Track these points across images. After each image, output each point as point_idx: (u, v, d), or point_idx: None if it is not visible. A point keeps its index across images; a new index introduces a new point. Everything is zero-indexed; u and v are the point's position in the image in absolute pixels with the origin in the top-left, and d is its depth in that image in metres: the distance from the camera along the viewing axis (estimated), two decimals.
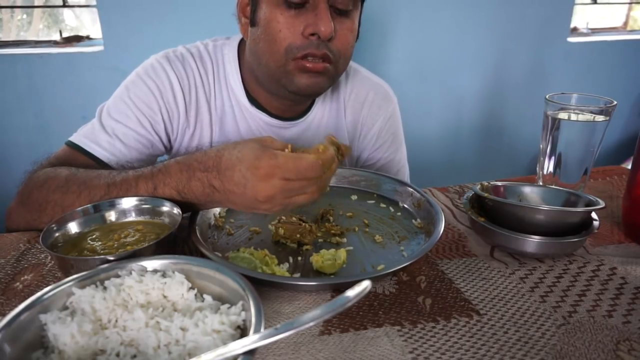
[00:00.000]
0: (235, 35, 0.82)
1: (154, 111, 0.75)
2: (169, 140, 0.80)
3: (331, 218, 0.67)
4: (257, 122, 0.82)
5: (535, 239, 0.57)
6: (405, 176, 0.99)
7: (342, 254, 0.56)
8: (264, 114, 0.81)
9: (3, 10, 1.84)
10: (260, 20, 0.69)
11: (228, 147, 0.54)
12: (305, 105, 0.85)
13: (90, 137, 0.72)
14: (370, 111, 0.89)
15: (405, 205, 0.73)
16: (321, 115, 0.87)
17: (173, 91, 0.76)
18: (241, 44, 0.81)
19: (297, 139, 0.84)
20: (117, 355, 0.38)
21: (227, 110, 0.81)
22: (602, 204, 0.59)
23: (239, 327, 0.40)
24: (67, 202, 0.60)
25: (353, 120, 0.89)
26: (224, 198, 0.54)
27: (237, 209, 0.57)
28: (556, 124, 0.73)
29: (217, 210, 0.69)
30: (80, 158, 0.71)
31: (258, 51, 0.71)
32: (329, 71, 0.71)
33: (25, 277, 0.57)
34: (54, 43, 1.78)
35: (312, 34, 0.66)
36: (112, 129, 0.73)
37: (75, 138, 0.73)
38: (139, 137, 0.74)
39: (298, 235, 0.61)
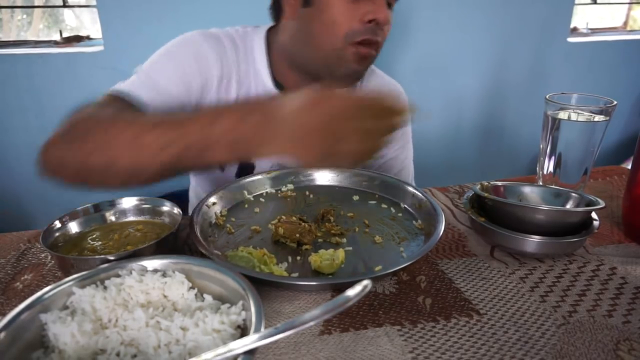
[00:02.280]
0: (263, 25, 0.85)
1: (192, 76, 0.75)
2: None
3: (332, 218, 0.67)
4: None
5: (535, 239, 0.57)
6: (410, 176, 1.00)
7: (340, 254, 0.56)
8: None
9: (3, 10, 1.84)
10: (316, 3, 0.71)
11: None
12: None
13: (132, 88, 0.70)
14: None
15: (407, 206, 0.73)
16: None
17: (209, 64, 0.77)
18: (268, 33, 0.83)
19: None
20: (118, 354, 0.38)
21: (252, 93, 0.82)
22: (602, 204, 0.59)
23: (239, 326, 0.40)
24: (114, 131, 0.54)
25: None
26: (275, 131, 0.49)
27: (281, 151, 0.50)
28: (556, 124, 0.73)
29: (217, 209, 0.69)
30: (123, 105, 0.67)
31: (311, 32, 0.73)
32: (373, 58, 0.75)
33: (26, 276, 0.57)
34: (54, 43, 1.77)
35: (371, 21, 0.69)
36: (153, 84, 0.71)
37: (116, 87, 0.71)
38: (175, 98, 0.73)
39: (297, 235, 0.61)
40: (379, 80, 0.94)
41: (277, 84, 0.83)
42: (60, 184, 0.59)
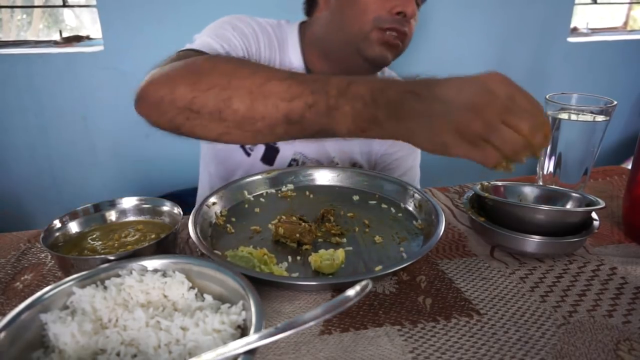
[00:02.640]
0: (296, 21, 0.91)
1: (245, 45, 0.80)
2: None
3: (332, 218, 0.67)
4: None
5: (536, 238, 0.57)
6: (415, 179, 1.01)
7: (340, 254, 0.56)
8: None
9: (3, 10, 1.84)
10: None
11: None
12: None
13: (202, 45, 0.72)
14: None
15: (407, 207, 0.73)
16: None
17: (258, 40, 0.83)
18: (301, 27, 0.89)
19: None
20: (118, 354, 0.38)
21: None
22: (602, 204, 0.59)
23: (239, 326, 0.40)
24: (239, 74, 0.52)
25: None
26: (421, 108, 0.45)
27: (419, 129, 0.45)
28: (556, 124, 0.73)
29: (217, 209, 0.69)
30: None
31: (343, 19, 0.78)
32: (399, 47, 0.79)
33: (26, 276, 0.57)
34: (54, 43, 1.77)
35: (399, 13, 0.75)
36: (221, 38, 0.76)
37: (183, 49, 0.70)
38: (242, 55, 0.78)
39: (297, 235, 0.61)
40: None
41: (309, 72, 0.87)
42: (154, 124, 0.57)
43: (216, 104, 0.51)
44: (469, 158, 0.44)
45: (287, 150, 0.89)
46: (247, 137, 0.54)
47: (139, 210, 0.64)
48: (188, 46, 0.74)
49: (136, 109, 0.58)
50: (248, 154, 0.89)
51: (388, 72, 0.97)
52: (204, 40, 0.75)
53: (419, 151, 1.02)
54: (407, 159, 0.99)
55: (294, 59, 0.87)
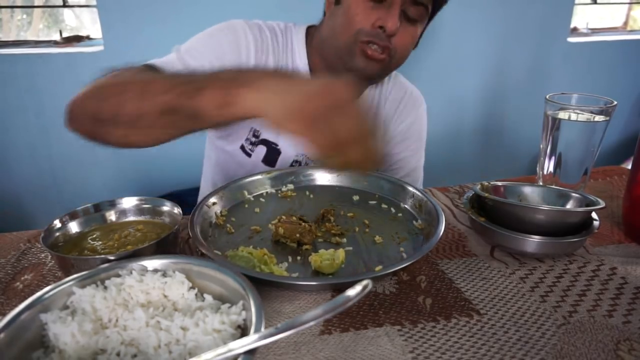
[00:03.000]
0: (302, 24, 0.91)
1: (227, 60, 0.80)
2: None
3: (332, 218, 0.67)
4: None
5: (536, 239, 0.57)
6: (419, 180, 1.02)
7: (340, 254, 0.56)
8: None
9: (3, 10, 1.84)
10: (344, 2, 0.79)
11: None
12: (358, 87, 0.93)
13: (165, 63, 0.76)
14: (405, 108, 0.98)
15: (407, 207, 0.73)
16: (370, 99, 0.94)
17: (248, 49, 0.82)
18: (307, 30, 0.90)
19: None
20: (118, 354, 0.38)
21: None
22: (602, 204, 0.59)
23: (239, 326, 0.40)
24: (129, 81, 0.59)
25: (389, 113, 0.97)
26: (275, 84, 0.50)
27: (271, 104, 0.49)
28: (556, 124, 0.73)
29: (217, 209, 0.69)
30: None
31: (334, 26, 0.80)
32: (384, 62, 0.79)
33: (26, 276, 0.57)
34: (54, 43, 1.77)
35: (380, 27, 0.76)
36: (187, 62, 0.77)
37: (150, 61, 0.76)
38: None
39: (297, 235, 0.61)
40: (403, 84, 0.99)
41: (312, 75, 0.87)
42: (81, 136, 0.63)
43: (112, 110, 0.58)
44: (302, 136, 0.49)
45: (289, 151, 0.89)
46: (143, 136, 0.59)
47: (139, 210, 0.64)
48: (151, 61, 0.76)
49: (65, 125, 0.65)
50: (249, 155, 0.89)
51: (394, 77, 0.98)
52: (170, 57, 0.78)
53: (422, 152, 1.03)
54: (411, 160, 0.99)
55: (300, 63, 0.87)
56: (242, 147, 0.89)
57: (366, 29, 0.76)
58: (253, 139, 0.88)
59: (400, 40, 0.78)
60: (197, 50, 0.79)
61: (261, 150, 0.89)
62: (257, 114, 0.50)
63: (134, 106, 0.56)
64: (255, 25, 0.85)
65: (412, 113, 1.00)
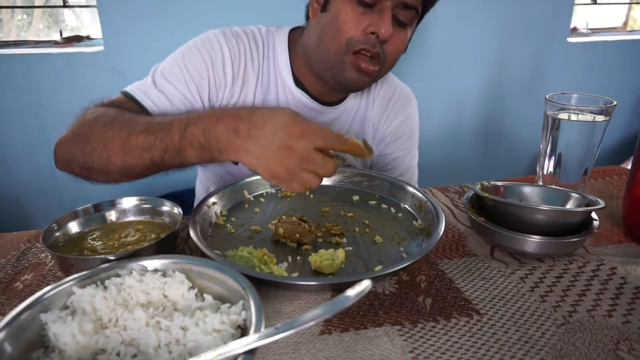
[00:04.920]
0: (286, 26, 0.89)
1: (202, 77, 0.80)
2: (212, 106, 0.85)
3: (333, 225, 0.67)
4: (297, 102, 0.87)
5: (535, 238, 0.57)
6: (414, 178, 1.02)
7: (340, 254, 0.56)
8: (305, 95, 0.86)
9: (3, 10, 1.84)
10: (331, 9, 0.76)
11: (263, 108, 0.59)
12: (343, 94, 0.92)
13: (142, 90, 0.77)
14: (395, 107, 0.97)
15: (407, 207, 0.73)
16: (353, 106, 0.93)
17: (223, 63, 0.82)
18: (291, 33, 0.88)
19: (329, 124, 0.90)
20: (118, 354, 0.38)
21: (272, 88, 0.86)
22: (602, 204, 0.59)
23: (239, 326, 0.40)
24: (109, 135, 0.63)
25: (379, 114, 0.96)
26: (242, 146, 0.56)
27: (246, 161, 0.56)
28: (556, 124, 0.73)
29: (217, 209, 0.69)
30: (130, 106, 0.75)
31: (322, 35, 0.77)
32: (374, 71, 0.77)
33: (26, 276, 0.57)
34: (54, 43, 1.77)
35: (373, 33, 0.73)
36: (162, 87, 0.78)
37: (129, 88, 0.78)
38: (183, 99, 0.79)
39: (297, 235, 0.61)
40: (392, 82, 0.97)
41: (297, 81, 0.86)
42: (72, 176, 0.69)
43: (100, 162, 0.63)
44: (283, 187, 0.57)
45: None
46: (134, 178, 0.65)
47: (139, 210, 0.64)
48: (129, 87, 0.77)
49: (55, 166, 0.71)
50: (236, 163, 0.87)
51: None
52: (147, 84, 0.78)
53: (416, 150, 1.02)
54: (405, 159, 0.99)
55: (282, 68, 0.85)
56: None
57: (357, 37, 0.73)
58: None
59: (391, 46, 0.76)
60: (173, 74, 0.78)
61: None
62: (238, 160, 0.57)
63: (120, 160, 0.62)
64: (232, 34, 0.83)
65: (402, 112, 0.98)
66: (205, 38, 0.82)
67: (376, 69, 0.76)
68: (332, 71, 0.78)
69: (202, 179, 0.99)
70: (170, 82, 0.78)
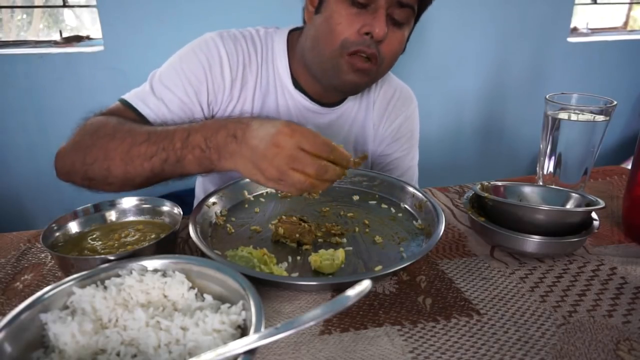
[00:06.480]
0: (285, 27, 0.89)
1: (200, 82, 0.80)
2: (211, 111, 0.85)
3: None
4: (296, 104, 0.87)
5: (535, 238, 0.57)
6: (414, 178, 1.01)
7: (340, 254, 0.56)
8: (304, 97, 0.86)
9: (3, 10, 1.84)
10: (324, 10, 0.75)
11: (262, 116, 0.60)
12: (342, 96, 0.91)
13: (140, 97, 0.77)
14: (395, 107, 0.96)
15: (407, 207, 0.73)
16: (352, 107, 0.93)
17: (221, 66, 0.81)
18: (290, 34, 0.88)
19: (329, 125, 0.90)
20: (118, 354, 0.38)
21: (271, 90, 0.86)
22: (602, 204, 0.59)
23: (239, 326, 0.40)
24: (110, 146, 0.64)
25: (379, 115, 0.96)
26: (237, 150, 0.57)
27: (241, 167, 0.58)
28: (556, 124, 0.73)
29: (217, 209, 0.69)
30: (129, 114, 0.75)
31: (316, 37, 0.77)
32: (372, 72, 0.76)
33: (26, 276, 0.57)
34: (54, 43, 1.77)
35: (367, 33, 0.72)
36: (160, 94, 0.78)
37: (127, 96, 0.78)
38: (182, 105, 0.78)
39: (297, 235, 0.61)
40: (392, 83, 0.97)
41: (296, 83, 0.85)
42: (72, 185, 0.70)
43: (101, 173, 0.65)
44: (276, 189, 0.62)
45: None
46: (134, 188, 0.67)
47: (139, 210, 0.64)
48: (128, 94, 0.78)
49: (57, 176, 0.72)
50: None
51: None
52: (145, 91, 0.78)
53: (416, 150, 1.02)
54: (405, 159, 0.99)
55: (281, 70, 0.84)
56: None
57: (351, 39, 0.72)
58: None
59: (388, 46, 0.74)
60: (170, 79, 0.78)
61: None
62: (241, 173, 0.59)
63: (121, 170, 0.63)
64: (230, 37, 0.82)
65: (402, 112, 0.97)
66: (202, 41, 0.81)
67: (372, 67, 0.75)
68: (328, 73, 0.77)
69: (202, 179, 0.99)
70: (168, 88, 0.77)
